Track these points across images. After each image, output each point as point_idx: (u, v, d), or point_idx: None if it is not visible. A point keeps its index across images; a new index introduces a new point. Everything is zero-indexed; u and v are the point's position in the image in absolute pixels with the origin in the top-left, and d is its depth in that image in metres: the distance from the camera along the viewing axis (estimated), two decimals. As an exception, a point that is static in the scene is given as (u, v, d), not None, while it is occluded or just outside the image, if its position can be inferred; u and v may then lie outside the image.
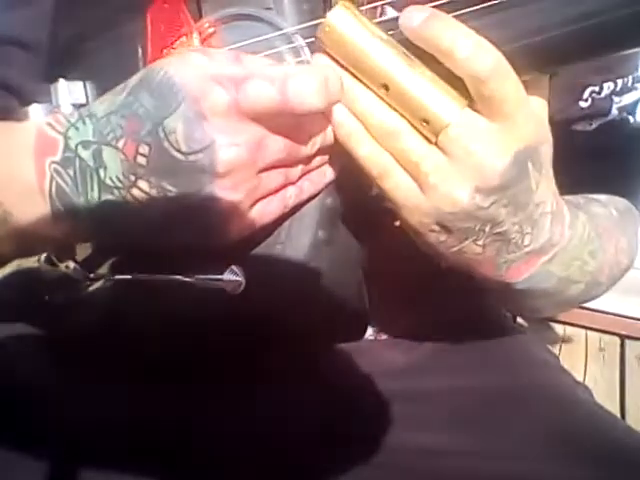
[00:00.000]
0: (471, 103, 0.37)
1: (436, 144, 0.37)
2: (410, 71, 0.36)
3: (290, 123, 0.36)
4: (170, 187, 0.35)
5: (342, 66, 0.38)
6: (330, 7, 0.38)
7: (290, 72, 0.35)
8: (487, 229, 0.39)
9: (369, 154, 0.38)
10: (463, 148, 0.37)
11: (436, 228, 0.39)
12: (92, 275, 0.41)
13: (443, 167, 0.37)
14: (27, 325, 0.57)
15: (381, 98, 0.38)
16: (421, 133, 0.38)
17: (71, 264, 0.42)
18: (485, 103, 0.36)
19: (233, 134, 0.34)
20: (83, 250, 0.42)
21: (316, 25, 0.38)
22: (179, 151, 0.34)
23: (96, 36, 0.45)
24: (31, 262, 0.57)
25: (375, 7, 0.40)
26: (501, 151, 0.37)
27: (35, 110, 0.41)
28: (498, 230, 0.39)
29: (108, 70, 0.39)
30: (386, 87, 0.37)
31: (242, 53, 0.37)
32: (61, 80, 0.40)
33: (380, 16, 0.40)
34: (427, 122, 0.37)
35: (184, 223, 0.36)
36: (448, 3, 0.37)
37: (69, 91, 0.40)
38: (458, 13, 0.36)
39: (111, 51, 0.41)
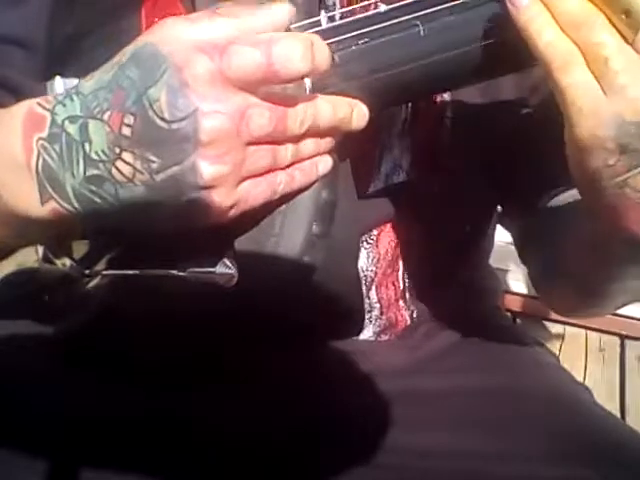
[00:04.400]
0: None
1: (633, 43, 0.34)
2: None
3: (277, 96, 0.36)
4: (154, 157, 0.34)
5: None
6: (324, 2, 0.38)
7: (275, 37, 0.34)
8: None
9: (552, 41, 0.35)
10: None
11: (609, 145, 0.35)
12: (87, 271, 0.41)
13: (637, 68, 0.34)
14: (27, 325, 0.57)
15: None
16: (617, 29, 0.35)
17: (67, 261, 0.42)
18: None
19: (217, 102, 0.34)
20: (81, 247, 0.42)
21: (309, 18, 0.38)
22: (163, 119, 0.34)
23: (92, 33, 0.45)
24: (31, 262, 0.57)
25: (369, 3, 0.40)
26: None
27: None
28: None
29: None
30: None
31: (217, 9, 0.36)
32: (57, 77, 0.40)
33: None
34: (628, 15, 0.34)
35: (169, 198, 0.36)
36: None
37: (65, 88, 0.40)
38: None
39: (107, 48, 0.40)
